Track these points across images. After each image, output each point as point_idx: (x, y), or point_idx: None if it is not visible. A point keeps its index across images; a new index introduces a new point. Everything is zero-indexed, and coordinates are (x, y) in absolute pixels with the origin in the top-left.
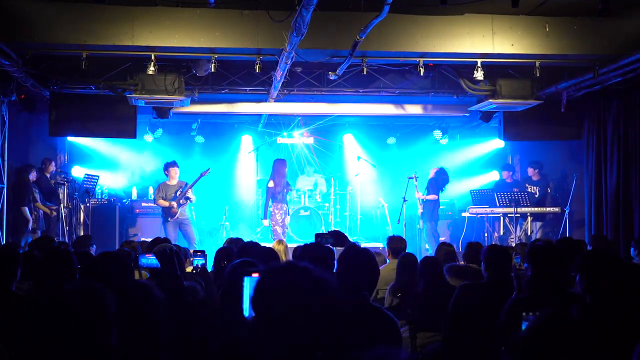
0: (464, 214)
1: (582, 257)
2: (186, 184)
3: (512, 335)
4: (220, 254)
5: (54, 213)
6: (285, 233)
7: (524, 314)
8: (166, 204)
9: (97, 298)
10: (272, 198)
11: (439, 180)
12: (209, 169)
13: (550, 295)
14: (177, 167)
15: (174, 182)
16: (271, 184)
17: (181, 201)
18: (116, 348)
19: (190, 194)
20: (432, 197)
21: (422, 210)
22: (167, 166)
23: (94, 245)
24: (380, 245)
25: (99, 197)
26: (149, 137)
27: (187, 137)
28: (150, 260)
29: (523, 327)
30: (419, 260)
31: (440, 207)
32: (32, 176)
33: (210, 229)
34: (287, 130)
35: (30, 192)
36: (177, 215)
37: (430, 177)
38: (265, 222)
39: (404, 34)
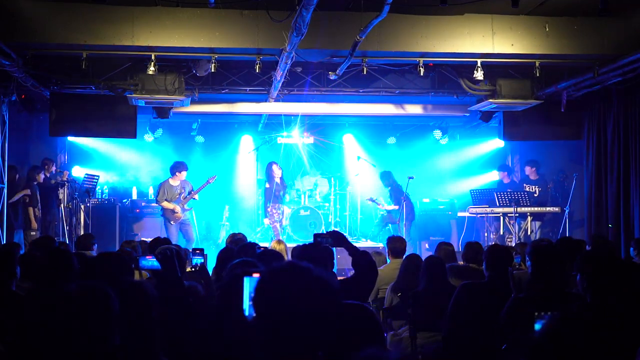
0: (463, 214)
1: (582, 257)
2: (192, 187)
3: (520, 335)
4: (222, 255)
5: (38, 214)
6: (280, 233)
7: (536, 313)
8: (171, 206)
9: (102, 298)
10: (269, 199)
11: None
12: (215, 176)
13: (550, 295)
14: (186, 171)
15: (176, 182)
16: (267, 185)
17: (185, 206)
18: (119, 348)
19: (194, 196)
20: (393, 207)
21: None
22: (177, 168)
23: (96, 245)
24: (380, 245)
25: (99, 197)
26: (149, 137)
27: (187, 137)
28: (151, 262)
29: (537, 327)
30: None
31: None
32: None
33: (208, 229)
34: (287, 130)
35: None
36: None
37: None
38: (266, 221)
39: (404, 34)
